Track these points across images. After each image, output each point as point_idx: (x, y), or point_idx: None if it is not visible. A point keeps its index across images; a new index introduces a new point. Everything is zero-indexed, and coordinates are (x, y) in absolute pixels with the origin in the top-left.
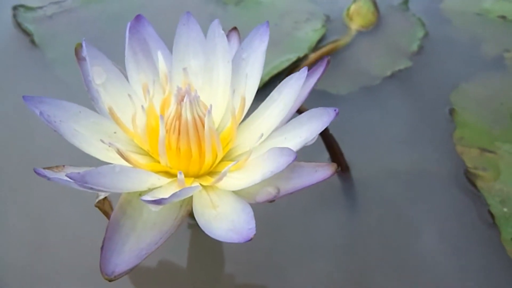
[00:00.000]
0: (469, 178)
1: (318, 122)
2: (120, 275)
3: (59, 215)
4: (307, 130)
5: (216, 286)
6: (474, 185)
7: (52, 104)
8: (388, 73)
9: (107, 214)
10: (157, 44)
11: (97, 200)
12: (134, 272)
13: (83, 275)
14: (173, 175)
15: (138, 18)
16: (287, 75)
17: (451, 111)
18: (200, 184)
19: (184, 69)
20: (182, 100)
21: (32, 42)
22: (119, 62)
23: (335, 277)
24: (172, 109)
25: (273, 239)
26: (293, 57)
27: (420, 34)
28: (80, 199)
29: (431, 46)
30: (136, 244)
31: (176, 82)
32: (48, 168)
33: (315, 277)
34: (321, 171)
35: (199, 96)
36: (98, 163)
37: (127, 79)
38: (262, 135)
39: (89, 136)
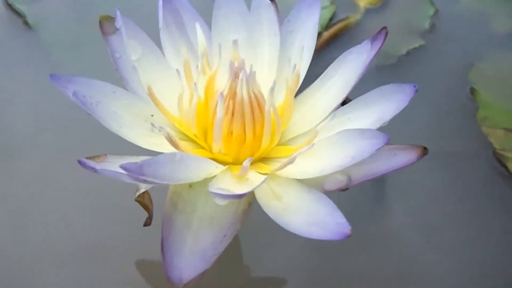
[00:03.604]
0: (499, 159)
1: (390, 102)
2: (191, 282)
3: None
4: (377, 110)
5: None
6: (504, 166)
7: (83, 83)
8: (403, 51)
9: (147, 208)
10: (191, 16)
11: (137, 194)
12: None
13: None
14: (222, 162)
15: None
16: None
17: (472, 91)
18: (258, 172)
19: (235, 41)
20: (236, 76)
21: (26, 23)
22: None
23: None
24: (225, 86)
25: None
26: None
27: (430, 11)
28: None
29: (443, 23)
30: (195, 243)
31: (216, 58)
32: (90, 158)
33: None
34: (401, 155)
35: (255, 72)
36: (128, 150)
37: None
38: (334, 115)
39: (127, 119)
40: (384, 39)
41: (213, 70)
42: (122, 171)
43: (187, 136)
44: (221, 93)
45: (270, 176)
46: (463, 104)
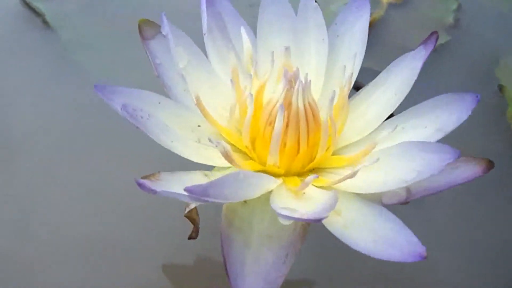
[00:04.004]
0: None
1: (450, 112)
2: None
3: None
4: (434, 120)
5: None
6: None
7: (128, 94)
8: None
9: (194, 222)
10: (234, 19)
11: (187, 210)
12: None
13: None
14: (273, 174)
15: None
16: None
17: (501, 88)
18: (313, 184)
19: (287, 48)
20: (291, 85)
21: (45, 22)
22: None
23: None
24: (279, 96)
25: None
26: None
27: (453, 6)
28: None
29: (466, 18)
30: (257, 264)
31: (261, 65)
32: (144, 178)
33: None
34: (463, 168)
35: (311, 81)
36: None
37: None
38: (396, 126)
39: (176, 131)
40: (435, 43)
41: (264, 78)
42: (183, 192)
43: (234, 146)
44: (281, 105)
45: (326, 189)
46: (491, 102)
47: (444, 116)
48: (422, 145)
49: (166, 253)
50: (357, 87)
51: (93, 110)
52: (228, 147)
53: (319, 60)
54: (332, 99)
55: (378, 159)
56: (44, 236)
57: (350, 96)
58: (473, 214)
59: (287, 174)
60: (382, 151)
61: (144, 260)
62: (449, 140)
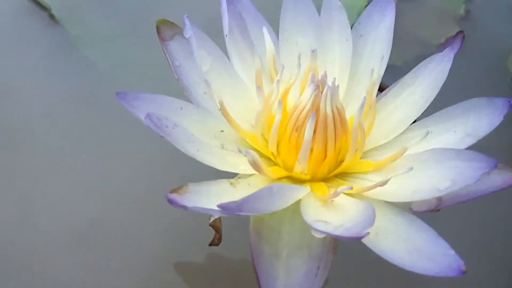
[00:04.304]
0: None
1: (480, 117)
2: None
3: None
4: (464, 125)
5: None
6: None
7: (151, 101)
8: (442, 40)
9: (218, 230)
10: (255, 19)
11: (212, 220)
12: None
13: None
14: (298, 180)
15: None
16: None
17: None
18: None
19: (313, 51)
20: (319, 89)
21: (51, 17)
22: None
23: None
24: (306, 101)
25: None
26: None
27: None
28: None
29: (477, 9)
30: (288, 277)
31: (285, 67)
32: (173, 191)
33: None
34: (496, 175)
35: (338, 86)
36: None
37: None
38: (427, 133)
39: (200, 139)
40: (461, 44)
41: (290, 82)
42: (214, 208)
43: (257, 151)
44: (313, 114)
45: (353, 196)
46: (504, 94)
47: (474, 121)
48: (456, 153)
49: (171, 246)
50: (380, 88)
51: (101, 106)
52: (256, 156)
53: (343, 61)
54: (362, 106)
55: (411, 168)
56: (45, 226)
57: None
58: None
59: (313, 180)
60: (412, 157)
61: (148, 253)
62: None
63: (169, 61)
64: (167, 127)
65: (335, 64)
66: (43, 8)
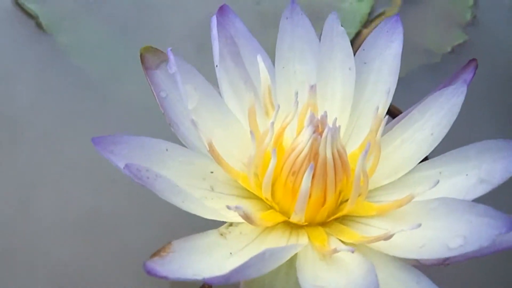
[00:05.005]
0: None
1: (496, 160)
2: None
3: None
4: (477, 168)
5: None
6: None
7: (131, 145)
8: (448, 48)
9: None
10: (250, 45)
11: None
12: None
13: None
14: (295, 226)
15: (223, 10)
16: None
17: None
18: (341, 239)
19: (312, 87)
20: (318, 131)
21: (39, 26)
22: None
23: None
24: (304, 144)
25: None
26: None
27: (470, 2)
28: None
29: (484, 15)
30: None
31: (281, 98)
32: (155, 254)
33: None
34: None
35: (339, 127)
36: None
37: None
38: (437, 182)
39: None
40: (474, 74)
41: (286, 120)
42: (199, 278)
43: (249, 192)
44: (312, 165)
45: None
46: None
47: (489, 164)
48: (469, 206)
49: (171, 230)
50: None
51: (90, 118)
52: (248, 211)
53: (346, 92)
54: (365, 154)
55: (419, 225)
56: (46, 212)
57: None
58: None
59: (311, 224)
60: (420, 204)
61: (147, 237)
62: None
63: (154, 93)
64: (148, 178)
65: (336, 96)
66: (30, 16)
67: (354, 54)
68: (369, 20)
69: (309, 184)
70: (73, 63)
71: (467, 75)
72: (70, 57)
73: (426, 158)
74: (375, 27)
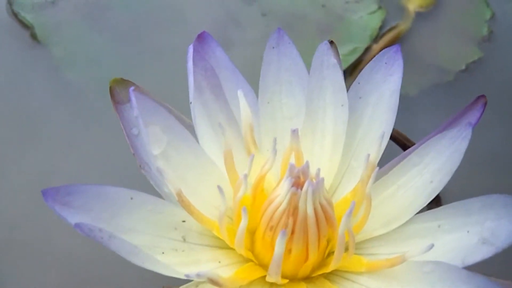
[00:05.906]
0: None
1: (502, 218)
2: None
3: None
4: (479, 225)
5: None
6: None
7: (89, 196)
8: (462, 66)
9: None
10: (231, 76)
11: None
12: None
13: None
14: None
15: (202, 37)
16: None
17: None
18: None
19: (294, 131)
20: (298, 185)
21: (33, 36)
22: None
23: None
24: (282, 198)
25: None
26: (352, 48)
27: (487, 15)
28: None
29: (501, 30)
30: None
31: (265, 138)
32: None
33: None
34: None
35: (323, 179)
36: None
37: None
38: (432, 246)
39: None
40: (481, 114)
41: (265, 168)
42: None
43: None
44: (283, 231)
45: None
46: None
47: (493, 222)
48: (467, 277)
49: None
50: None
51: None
52: (216, 277)
53: (337, 131)
54: (349, 213)
55: None
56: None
57: None
58: None
59: (293, 279)
60: (413, 265)
61: None
62: (493, 170)
63: (124, 130)
64: (102, 238)
65: (327, 136)
66: (25, 26)
67: (354, 77)
68: (380, 35)
69: (282, 249)
70: (67, 78)
71: (473, 115)
72: (64, 71)
73: None
74: (385, 43)
